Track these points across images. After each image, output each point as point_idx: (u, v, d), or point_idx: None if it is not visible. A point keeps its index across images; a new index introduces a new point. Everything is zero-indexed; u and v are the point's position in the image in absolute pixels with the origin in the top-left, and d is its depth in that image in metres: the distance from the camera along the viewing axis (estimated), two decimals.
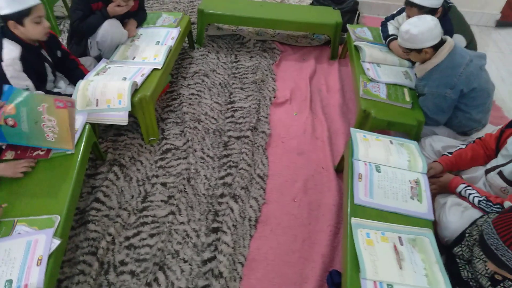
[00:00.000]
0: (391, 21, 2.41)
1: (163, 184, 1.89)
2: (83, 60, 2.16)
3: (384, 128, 1.92)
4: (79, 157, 1.59)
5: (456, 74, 1.78)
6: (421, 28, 1.75)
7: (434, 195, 1.61)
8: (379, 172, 1.53)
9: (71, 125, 1.58)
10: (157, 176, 1.93)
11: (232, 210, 1.77)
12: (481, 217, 1.32)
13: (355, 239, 1.30)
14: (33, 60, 1.74)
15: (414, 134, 1.89)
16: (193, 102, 2.40)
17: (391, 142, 1.69)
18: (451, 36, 2.02)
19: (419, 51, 1.83)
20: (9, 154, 1.59)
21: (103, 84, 1.88)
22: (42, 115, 1.52)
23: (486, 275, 1.19)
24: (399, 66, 2.25)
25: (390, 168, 1.56)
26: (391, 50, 2.34)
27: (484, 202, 1.44)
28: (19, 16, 1.62)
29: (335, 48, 2.89)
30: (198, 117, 2.28)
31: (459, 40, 2.46)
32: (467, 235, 1.31)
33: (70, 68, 2.01)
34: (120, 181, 1.89)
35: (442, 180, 1.61)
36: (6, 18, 1.62)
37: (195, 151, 2.07)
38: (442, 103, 1.83)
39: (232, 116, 2.33)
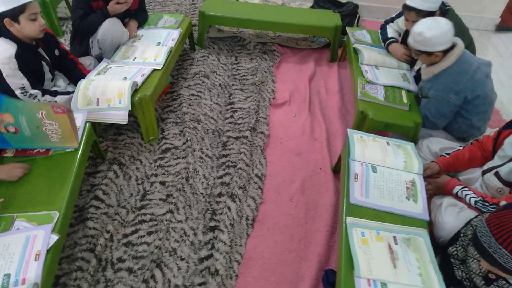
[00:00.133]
0: (391, 24, 2.43)
1: (162, 183, 1.91)
2: (83, 60, 2.19)
3: (382, 129, 1.93)
4: (78, 155, 1.61)
5: (463, 80, 1.76)
6: (435, 32, 1.72)
7: (430, 196, 1.62)
8: (375, 172, 1.54)
9: (72, 126, 1.59)
10: (156, 175, 1.95)
11: (229, 209, 1.79)
12: (476, 216, 1.33)
13: (350, 238, 1.31)
14: (30, 59, 1.75)
15: (411, 135, 1.90)
16: (193, 102, 2.42)
17: (387, 143, 1.70)
18: None
19: (429, 53, 1.80)
20: (9, 152, 1.61)
21: (103, 83, 1.90)
22: (42, 120, 1.53)
23: (480, 274, 1.19)
24: (398, 68, 2.26)
25: (386, 168, 1.57)
26: (389, 52, 2.35)
27: (481, 202, 1.45)
28: (14, 14, 1.63)
29: (335, 51, 2.91)
30: (197, 118, 2.30)
31: None
32: (462, 235, 1.32)
33: (69, 68, 2.03)
34: (120, 180, 1.91)
35: (439, 181, 1.62)
36: (1, 15, 1.62)
37: (194, 151, 2.08)
38: (445, 107, 1.83)
39: (232, 116, 2.35)
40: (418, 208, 1.45)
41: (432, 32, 1.73)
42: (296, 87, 2.66)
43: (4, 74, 1.64)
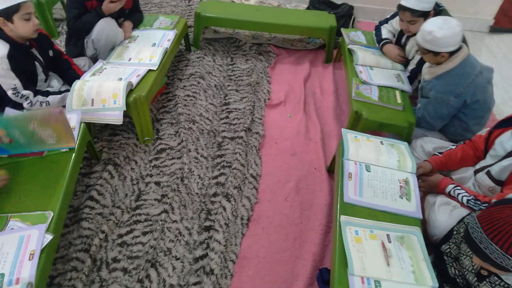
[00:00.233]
0: (385, 25, 2.45)
1: (157, 183, 1.91)
2: (77, 60, 2.18)
3: (376, 129, 1.95)
4: (73, 155, 1.60)
5: (464, 83, 1.76)
6: (446, 33, 1.69)
7: (423, 194, 1.64)
8: (369, 171, 1.55)
9: (66, 127, 1.58)
10: (151, 175, 1.95)
11: (224, 209, 1.79)
12: (468, 214, 1.34)
13: (344, 236, 1.31)
14: (22, 59, 1.74)
15: (405, 135, 1.91)
16: (189, 103, 2.42)
17: (381, 142, 1.71)
18: None
19: (436, 53, 1.77)
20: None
21: (98, 84, 1.90)
22: (35, 129, 1.52)
23: (473, 271, 1.20)
24: (392, 69, 2.28)
25: (380, 167, 1.58)
26: (384, 53, 2.37)
27: (473, 201, 1.47)
28: (8, 13, 1.63)
29: (330, 52, 2.93)
30: (193, 118, 2.30)
31: None
32: (455, 232, 1.33)
33: (63, 68, 2.03)
34: (115, 180, 1.91)
35: (432, 179, 1.63)
36: None
37: (189, 151, 2.09)
38: (443, 109, 1.83)
39: (227, 117, 2.36)
40: (411, 206, 1.46)
41: (443, 32, 1.70)
42: (291, 87, 2.67)
43: None
